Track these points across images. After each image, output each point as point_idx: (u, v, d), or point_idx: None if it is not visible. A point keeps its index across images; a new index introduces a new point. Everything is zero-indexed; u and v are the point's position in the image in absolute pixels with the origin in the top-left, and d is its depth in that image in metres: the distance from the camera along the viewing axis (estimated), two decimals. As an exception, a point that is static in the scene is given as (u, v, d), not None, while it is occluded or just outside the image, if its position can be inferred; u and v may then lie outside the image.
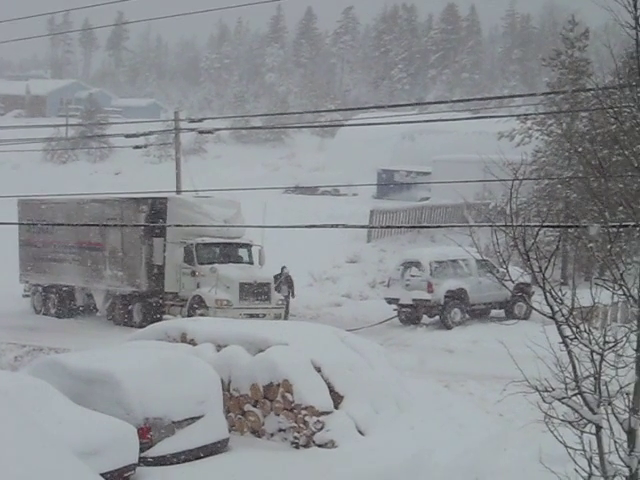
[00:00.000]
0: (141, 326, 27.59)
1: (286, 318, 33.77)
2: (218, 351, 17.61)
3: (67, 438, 11.96)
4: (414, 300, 33.22)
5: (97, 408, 14.05)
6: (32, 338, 31.16)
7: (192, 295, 32.63)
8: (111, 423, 13.71)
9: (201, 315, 30.32)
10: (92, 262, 36.26)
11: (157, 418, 14.71)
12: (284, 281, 35.78)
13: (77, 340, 29.33)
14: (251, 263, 34.31)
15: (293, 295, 36.21)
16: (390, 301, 34.34)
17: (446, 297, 32.77)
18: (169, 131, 45.71)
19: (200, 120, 34.64)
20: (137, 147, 41.41)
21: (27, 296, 39.82)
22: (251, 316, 31.13)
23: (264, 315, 31.89)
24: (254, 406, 16.74)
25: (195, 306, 32.28)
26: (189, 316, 30.61)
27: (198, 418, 15.38)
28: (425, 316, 34.01)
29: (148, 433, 14.51)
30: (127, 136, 35.74)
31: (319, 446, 15.89)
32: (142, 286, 34.40)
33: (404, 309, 33.98)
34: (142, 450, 14.11)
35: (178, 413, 15.06)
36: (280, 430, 16.41)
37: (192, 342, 18.32)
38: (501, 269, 10.26)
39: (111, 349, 18.11)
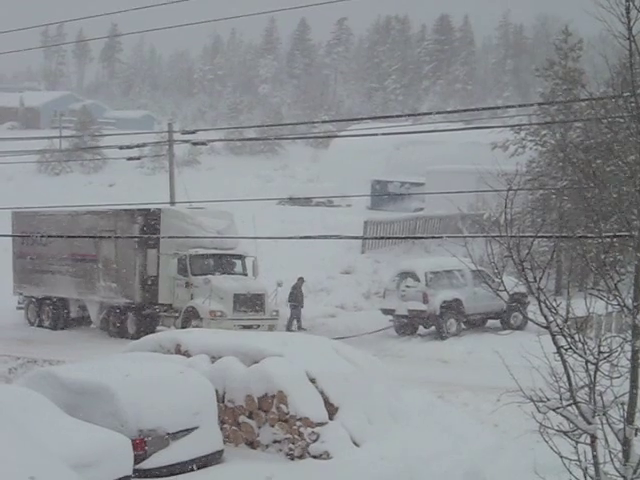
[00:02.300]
0: (135, 337, 27.49)
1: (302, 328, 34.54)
2: (213, 362, 17.55)
3: (61, 450, 11.91)
4: (410, 311, 33.19)
5: (91, 420, 13.99)
6: (26, 350, 31.06)
7: (186, 306, 32.62)
8: (105, 435, 13.65)
9: (195, 326, 30.28)
10: (86, 274, 36.22)
11: (151, 430, 14.65)
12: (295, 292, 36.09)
13: (71, 352, 29.31)
14: (245, 274, 34.30)
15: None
16: (386, 312, 34.31)
17: (442, 307, 32.74)
18: (163, 143, 45.76)
19: (194, 132, 34.78)
20: (131, 159, 41.42)
21: (21, 308, 39.80)
22: (245, 327, 31.09)
23: (258, 326, 31.87)
24: (249, 417, 16.69)
25: (189, 317, 32.26)
26: (183, 327, 30.54)
27: (193, 430, 15.32)
28: (421, 327, 33.98)
29: (142, 445, 14.45)
30: (121, 148, 35.89)
31: (314, 457, 15.84)
32: (136, 297, 34.35)
33: (400, 320, 33.95)
34: (136, 462, 14.04)
35: (172, 425, 15.00)
36: (275, 441, 16.35)
37: (186, 353, 18.25)
38: (496, 279, 10.22)
39: (105, 361, 18.04)
